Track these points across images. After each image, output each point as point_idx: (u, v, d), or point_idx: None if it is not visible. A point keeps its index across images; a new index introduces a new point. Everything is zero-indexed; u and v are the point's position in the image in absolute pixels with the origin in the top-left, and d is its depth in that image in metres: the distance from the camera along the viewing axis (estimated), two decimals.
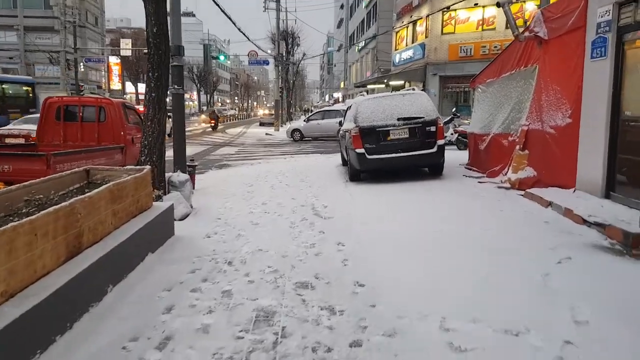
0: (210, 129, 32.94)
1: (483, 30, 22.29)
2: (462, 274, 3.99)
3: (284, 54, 38.18)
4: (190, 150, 18.53)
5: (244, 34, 23.04)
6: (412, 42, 26.49)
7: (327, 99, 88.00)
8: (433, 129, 8.53)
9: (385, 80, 26.17)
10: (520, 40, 7.44)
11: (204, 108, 72.57)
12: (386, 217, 6.07)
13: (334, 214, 6.48)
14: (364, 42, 39.91)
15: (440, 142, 8.58)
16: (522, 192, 6.85)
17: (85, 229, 3.73)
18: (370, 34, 36.72)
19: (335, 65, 79.96)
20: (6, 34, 39.67)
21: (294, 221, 6.16)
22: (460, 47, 22.75)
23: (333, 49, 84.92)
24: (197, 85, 77.30)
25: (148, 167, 5.30)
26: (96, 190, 3.94)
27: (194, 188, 8.75)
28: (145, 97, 6.53)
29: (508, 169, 7.75)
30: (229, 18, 18.85)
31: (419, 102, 8.75)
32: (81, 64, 37.10)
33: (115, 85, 60.54)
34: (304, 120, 23.63)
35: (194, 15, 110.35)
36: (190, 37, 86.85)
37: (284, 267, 4.37)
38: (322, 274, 4.19)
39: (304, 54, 44.90)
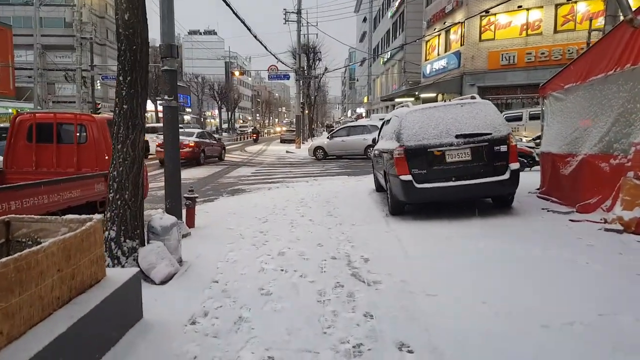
0: (253, 141, 45.71)
1: (528, 35, 20.06)
2: None
3: (305, 68, 36.61)
4: (203, 172, 16.89)
5: (260, 42, 21.39)
6: (445, 51, 24.46)
7: (349, 114, 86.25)
8: (504, 148, 6.49)
9: (417, 93, 24.16)
10: (635, 27, 5.38)
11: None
12: (463, 286, 4.03)
13: (381, 275, 4.47)
14: (389, 54, 38.01)
15: (514, 166, 6.52)
16: None
17: None
18: (397, 45, 34.82)
19: (357, 80, 78.31)
20: (27, 53, 39.31)
21: (324, 290, 4.17)
22: (502, 54, 20.56)
23: (354, 64, 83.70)
24: (218, 103, 76.50)
25: (97, 216, 3.42)
26: None
27: (193, 225, 6.90)
28: (114, 110, 4.71)
29: (614, 204, 5.64)
30: (244, 23, 17.18)
31: (484, 114, 6.74)
32: (98, 81, 36.21)
33: None
34: (327, 137, 21.88)
35: (215, 33, 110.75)
36: (212, 54, 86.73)
37: None
38: None
39: (326, 68, 43.25)
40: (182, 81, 75.21)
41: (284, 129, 62.43)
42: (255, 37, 20.07)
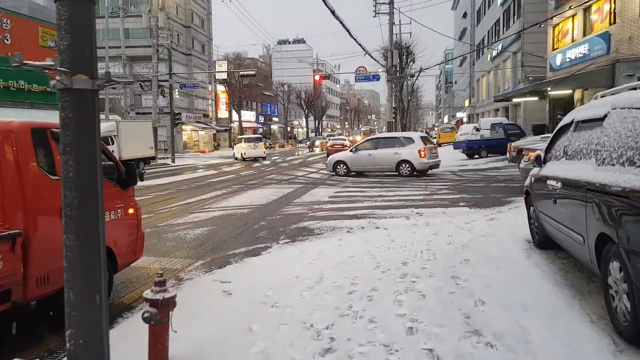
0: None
1: None
2: None
3: (398, 67, 32.19)
4: (268, 195, 12.59)
5: (348, 31, 17.56)
6: (584, 35, 18.81)
7: (445, 120, 79.75)
8: None
9: (548, 89, 18.77)
10: None
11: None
12: None
13: None
14: (500, 46, 32.21)
15: None
16: None
17: None
18: (510, 34, 29.05)
19: (455, 83, 71.82)
20: (114, 64, 39.06)
21: None
22: None
23: (451, 67, 77.58)
24: (305, 111, 74.32)
25: None
26: None
27: None
28: None
29: None
30: (332, 12, 13.34)
31: None
32: (176, 90, 34.77)
33: (223, 113, 59.23)
34: (351, 150, 18.58)
35: (304, 42, 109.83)
36: (301, 63, 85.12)
37: None
38: None
39: (421, 69, 38.51)
40: (271, 90, 73.96)
41: (357, 137, 56.43)
42: (341, 22, 16.20)
